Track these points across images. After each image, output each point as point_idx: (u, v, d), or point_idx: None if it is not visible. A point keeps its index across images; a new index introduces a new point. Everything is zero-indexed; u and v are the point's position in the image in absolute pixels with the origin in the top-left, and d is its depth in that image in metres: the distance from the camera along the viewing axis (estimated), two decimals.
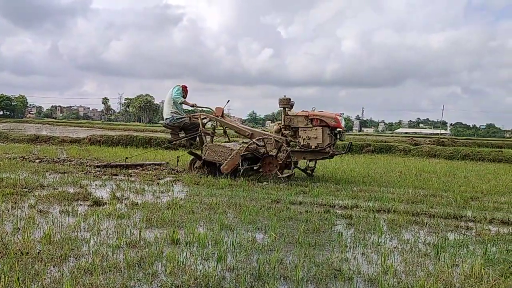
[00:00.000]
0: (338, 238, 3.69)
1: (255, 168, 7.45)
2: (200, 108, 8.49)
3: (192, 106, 8.21)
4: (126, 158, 9.06)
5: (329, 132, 7.27)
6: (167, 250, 3.20)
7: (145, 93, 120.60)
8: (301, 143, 7.30)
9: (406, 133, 78.84)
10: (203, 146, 7.56)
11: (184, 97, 8.30)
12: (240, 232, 3.78)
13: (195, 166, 8.02)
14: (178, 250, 3.19)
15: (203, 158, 7.52)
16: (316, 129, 7.26)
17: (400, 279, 2.75)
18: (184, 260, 2.98)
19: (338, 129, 7.41)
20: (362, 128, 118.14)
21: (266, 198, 5.52)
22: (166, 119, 8.13)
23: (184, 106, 8.37)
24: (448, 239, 3.76)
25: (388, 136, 40.97)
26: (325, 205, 5.19)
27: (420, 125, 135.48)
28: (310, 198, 5.61)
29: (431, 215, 4.80)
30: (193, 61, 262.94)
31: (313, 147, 7.24)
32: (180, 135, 8.40)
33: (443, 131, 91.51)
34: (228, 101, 8.72)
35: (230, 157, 7.21)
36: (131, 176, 7.28)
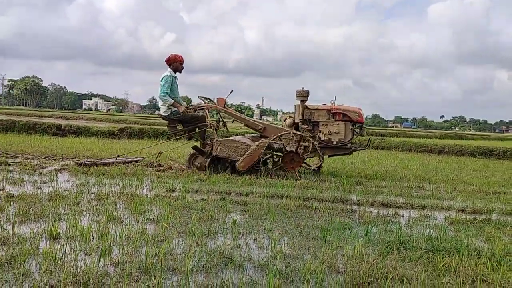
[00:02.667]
0: (232, 225, 3.68)
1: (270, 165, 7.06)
2: (192, 106, 7.48)
3: (183, 112, 7.04)
4: (118, 156, 7.64)
5: (351, 127, 7.05)
6: (44, 246, 2.90)
7: (33, 75, 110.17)
8: (322, 138, 6.96)
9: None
10: (214, 141, 6.78)
11: (179, 71, 7.32)
12: (130, 224, 3.58)
13: (195, 163, 7.03)
14: (57, 246, 2.91)
15: (214, 154, 6.73)
16: (338, 124, 6.97)
17: (289, 263, 2.81)
18: (63, 257, 2.72)
19: (359, 124, 7.16)
20: (262, 117, 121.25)
21: (160, 187, 5.33)
22: (166, 114, 7.17)
23: (181, 94, 7.45)
24: (334, 222, 3.95)
25: None
26: (222, 192, 5.17)
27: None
28: (206, 186, 5.55)
29: (320, 199, 5.03)
30: (90, 43, 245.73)
31: (334, 142, 6.94)
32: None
33: None
34: (232, 91, 7.68)
35: (247, 153, 6.56)
36: (9, 165, 6.55)
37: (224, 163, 6.87)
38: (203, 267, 2.69)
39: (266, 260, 2.84)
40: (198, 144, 7.36)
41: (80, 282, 2.33)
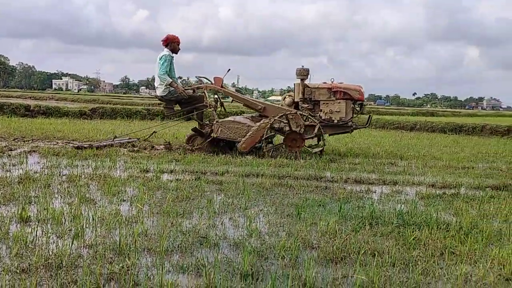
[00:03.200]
0: (207, 205, 3.68)
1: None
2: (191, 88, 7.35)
3: (181, 93, 6.91)
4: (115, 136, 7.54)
5: (352, 105, 7.04)
6: (14, 229, 2.83)
7: None
8: (323, 117, 6.92)
9: (278, 100, 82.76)
10: (214, 122, 6.72)
11: (176, 52, 7.23)
12: (103, 205, 3.53)
13: (194, 144, 7.02)
14: (28, 229, 2.85)
15: (214, 135, 6.69)
16: (339, 103, 6.92)
17: (264, 240, 2.83)
18: (34, 240, 2.67)
19: (359, 102, 7.14)
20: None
21: (134, 167, 5.26)
22: (163, 95, 7.04)
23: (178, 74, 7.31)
24: (308, 199, 4.00)
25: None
26: (197, 172, 5.15)
27: (290, 93, 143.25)
28: (181, 166, 5.51)
29: (295, 177, 5.08)
30: (57, 20, 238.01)
31: (335, 121, 6.93)
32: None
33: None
34: (229, 70, 7.58)
35: (249, 134, 6.52)
36: None
37: (225, 143, 6.86)
38: (178, 247, 2.69)
39: (241, 239, 2.86)
40: (196, 125, 7.29)
41: (53, 265, 2.29)
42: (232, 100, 7.62)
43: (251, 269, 2.34)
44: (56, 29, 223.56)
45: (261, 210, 3.62)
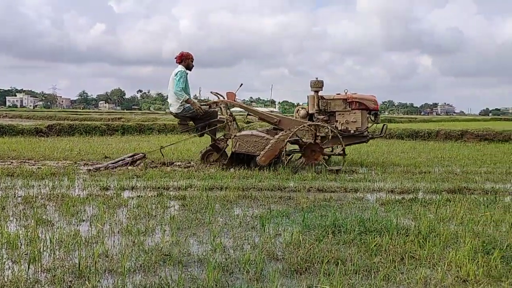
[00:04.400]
0: (170, 221, 3.62)
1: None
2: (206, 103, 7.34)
3: (197, 109, 6.83)
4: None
5: (368, 115, 7.11)
6: None
7: None
8: (339, 128, 6.92)
9: (240, 111, 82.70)
10: (233, 136, 6.67)
11: (190, 69, 7.15)
12: (61, 227, 3.41)
13: (210, 159, 7.00)
14: None
15: (233, 150, 6.62)
16: (355, 113, 7.00)
17: (228, 255, 2.82)
18: None
19: (374, 112, 7.21)
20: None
21: (94, 185, 5.12)
22: (178, 112, 6.93)
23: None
24: (273, 210, 4.02)
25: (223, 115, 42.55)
26: (159, 188, 5.07)
27: (253, 103, 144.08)
28: (143, 182, 5.41)
29: (259, 188, 5.09)
30: (10, 34, 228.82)
31: (352, 131, 6.97)
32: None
33: (272, 109, 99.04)
34: (241, 84, 7.55)
35: (268, 147, 6.46)
36: None
37: (243, 158, 6.78)
38: (140, 266, 2.63)
39: (205, 254, 2.83)
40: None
41: None
42: (247, 114, 7.60)
43: (216, 285, 2.32)
44: (9, 44, 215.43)
45: (225, 224, 3.60)
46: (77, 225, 3.48)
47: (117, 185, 5.13)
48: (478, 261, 2.67)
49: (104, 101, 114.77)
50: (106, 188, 4.99)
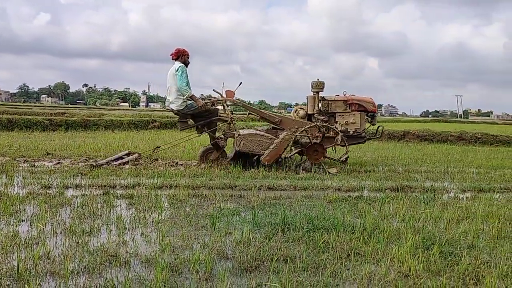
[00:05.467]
0: (117, 221, 3.51)
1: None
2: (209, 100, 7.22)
3: (201, 106, 6.67)
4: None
5: (366, 117, 7.24)
6: None
7: None
8: (339, 129, 6.99)
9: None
10: (236, 135, 6.56)
11: (187, 65, 6.90)
12: None
13: (209, 158, 6.85)
14: None
15: (237, 149, 6.53)
16: (354, 114, 7.15)
17: (177, 255, 2.77)
18: None
19: (371, 113, 7.34)
20: (149, 104, 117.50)
21: (35, 183, 4.87)
22: (180, 109, 6.72)
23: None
24: (223, 209, 4.01)
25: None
26: (105, 186, 4.90)
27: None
28: (88, 180, 5.21)
29: (210, 187, 5.06)
30: None
31: (351, 132, 7.11)
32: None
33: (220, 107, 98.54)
34: (241, 83, 7.43)
35: (272, 146, 6.43)
36: None
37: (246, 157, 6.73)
38: (85, 268, 2.53)
39: (154, 254, 2.77)
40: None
41: None
42: (248, 113, 7.57)
43: (164, 286, 2.28)
44: None
45: (174, 223, 3.55)
46: (16, 226, 3.30)
47: (60, 183, 4.90)
48: (418, 257, 2.81)
49: (46, 95, 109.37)
50: (48, 187, 4.76)
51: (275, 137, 6.64)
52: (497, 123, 44.85)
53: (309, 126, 6.83)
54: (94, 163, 6.20)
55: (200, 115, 6.86)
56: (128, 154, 7.18)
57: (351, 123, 7.18)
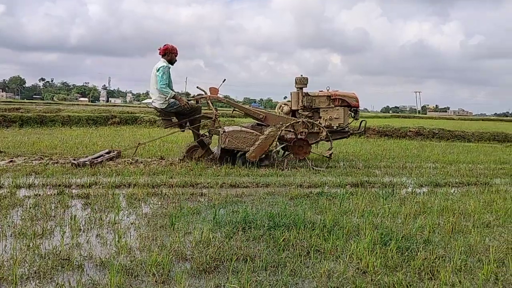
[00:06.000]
0: (71, 222, 3.38)
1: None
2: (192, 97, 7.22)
3: (184, 105, 6.68)
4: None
5: (349, 112, 7.35)
6: None
7: None
8: (323, 124, 7.08)
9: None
10: (222, 132, 6.50)
11: (173, 63, 6.87)
12: None
13: (195, 155, 6.80)
14: None
15: (222, 146, 6.50)
16: (338, 109, 7.25)
17: (134, 257, 2.69)
18: None
19: (354, 108, 7.44)
20: (110, 99, 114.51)
21: None
22: (162, 104, 6.69)
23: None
24: (183, 207, 3.93)
25: (135, 107, 40.95)
26: (60, 185, 4.71)
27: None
28: (42, 179, 4.99)
29: (170, 185, 4.96)
30: None
31: (335, 127, 7.20)
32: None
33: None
34: (224, 80, 7.36)
35: (258, 143, 6.47)
36: None
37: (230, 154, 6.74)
38: (35, 272, 2.41)
39: (109, 257, 2.67)
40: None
41: None
42: (233, 110, 7.53)
43: None
44: None
45: (132, 223, 3.45)
46: None
47: (12, 182, 4.67)
48: (376, 253, 2.85)
49: (0, 90, 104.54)
50: None
51: (260, 134, 6.67)
52: (453, 119, 46.66)
53: (294, 121, 6.88)
54: (75, 162, 5.98)
55: (183, 113, 6.86)
56: (108, 153, 7.04)
57: (335, 118, 7.30)
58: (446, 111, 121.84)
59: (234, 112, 7.71)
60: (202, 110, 7.10)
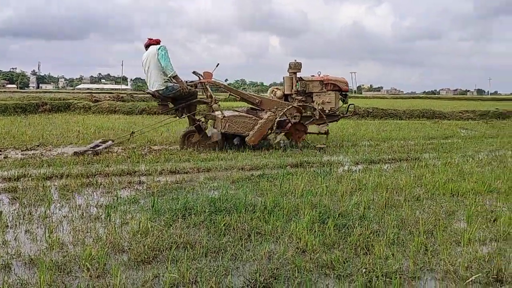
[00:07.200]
0: None
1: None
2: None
3: (184, 88, 6.64)
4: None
5: (340, 96, 7.60)
6: None
7: None
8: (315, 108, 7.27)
9: (88, 89, 76.59)
10: (221, 117, 6.59)
11: None
12: None
13: (191, 141, 6.74)
14: None
15: (222, 131, 6.65)
16: (329, 94, 7.50)
17: (67, 252, 2.56)
18: None
19: (344, 92, 7.71)
20: (40, 85, 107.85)
21: None
22: (160, 89, 6.61)
23: None
24: (120, 197, 3.80)
25: (69, 92, 38.89)
26: None
27: (102, 80, 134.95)
28: None
29: (106, 174, 4.76)
30: None
31: (327, 111, 7.38)
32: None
33: (124, 86, 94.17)
34: (218, 64, 7.33)
35: (257, 127, 6.65)
36: None
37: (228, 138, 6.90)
38: None
39: (39, 253, 2.52)
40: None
41: None
42: (229, 95, 7.53)
43: None
44: None
45: (64, 216, 3.27)
46: None
47: None
48: (315, 231, 2.92)
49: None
50: None
51: (258, 118, 6.81)
52: (386, 98, 48.84)
53: (291, 106, 7.07)
54: (78, 151, 5.89)
55: (180, 98, 6.81)
56: (103, 142, 6.88)
57: (327, 102, 7.54)
58: (379, 90, 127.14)
59: (230, 96, 7.72)
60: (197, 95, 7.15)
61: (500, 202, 3.89)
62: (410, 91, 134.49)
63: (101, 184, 4.31)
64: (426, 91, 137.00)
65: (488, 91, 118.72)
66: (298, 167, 5.39)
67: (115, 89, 68.12)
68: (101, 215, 3.28)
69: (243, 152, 6.55)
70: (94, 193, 4.00)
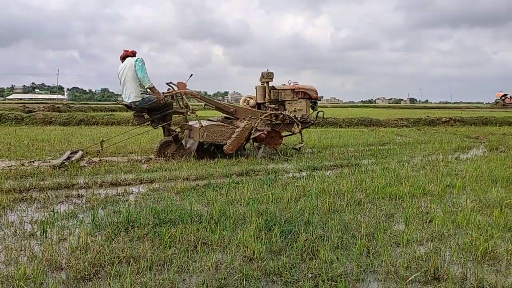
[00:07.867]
0: None
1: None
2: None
3: (161, 100, 6.64)
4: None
5: (310, 104, 7.80)
6: None
7: None
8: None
9: (20, 99, 72.29)
10: (199, 127, 6.66)
11: None
12: None
13: (168, 151, 6.78)
14: None
15: (200, 140, 6.69)
16: (301, 102, 7.72)
17: None
18: None
19: (313, 100, 7.93)
20: None
21: None
22: (136, 101, 6.61)
23: None
24: (57, 212, 3.60)
25: None
26: None
27: (36, 90, 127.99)
28: None
29: (41, 188, 4.51)
30: None
31: (298, 118, 7.56)
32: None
33: (60, 96, 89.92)
34: (191, 74, 7.58)
35: (234, 136, 6.76)
36: None
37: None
38: None
39: None
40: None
41: None
42: (205, 105, 7.53)
43: None
44: None
45: None
46: None
47: None
48: (262, 239, 2.92)
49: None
50: None
51: (235, 127, 6.93)
52: (327, 106, 50.35)
53: (267, 114, 7.29)
54: (55, 164, 5.63)
55: (156, 109, 6.79)
56: (74, 153, 6.66)
57: (299, 110, 7.77)
58: (320, 100, 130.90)
59: (206, 106, 7.73)
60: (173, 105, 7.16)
61: (434, 204, 4.11)
62: (349, 100, 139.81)
63: (35, 199, 4.07)
64: (363, 100, 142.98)
65: (419, 100, 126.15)
66: (244, 176, 5.40)
67: (51, 99, 64.74)
68: (36, 232, 3.09)
69: (187, 162, 6.46)
70: (29, 208, 3.77)
